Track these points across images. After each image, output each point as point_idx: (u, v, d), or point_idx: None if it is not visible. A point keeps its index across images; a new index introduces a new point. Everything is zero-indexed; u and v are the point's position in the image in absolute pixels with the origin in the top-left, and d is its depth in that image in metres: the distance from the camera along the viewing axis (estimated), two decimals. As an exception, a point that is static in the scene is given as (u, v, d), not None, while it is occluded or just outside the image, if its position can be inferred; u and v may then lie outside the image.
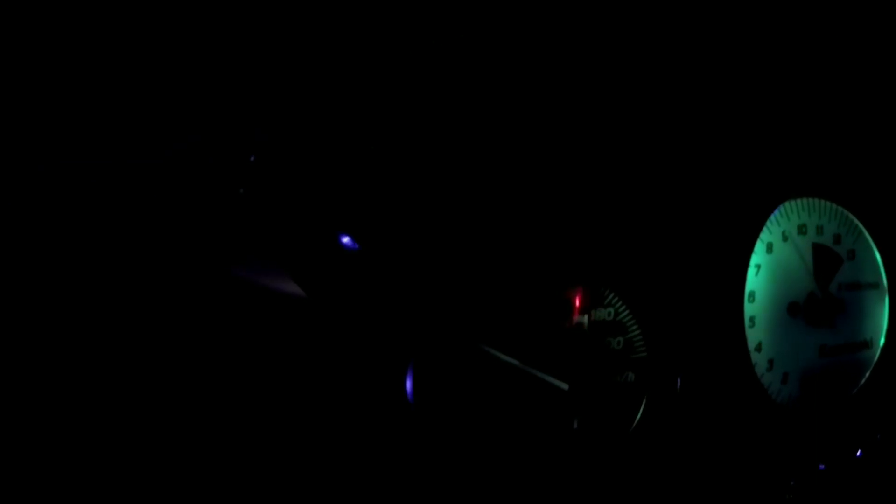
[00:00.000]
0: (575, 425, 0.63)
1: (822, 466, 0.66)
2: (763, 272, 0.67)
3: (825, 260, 0.69)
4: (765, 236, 0.67)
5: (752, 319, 0.66)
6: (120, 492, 0.61)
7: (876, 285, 0.70)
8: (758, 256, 0.67)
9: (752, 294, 0.66)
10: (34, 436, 0.62)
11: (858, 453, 0.66)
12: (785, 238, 0.68)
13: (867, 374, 0.70)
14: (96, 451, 0.62)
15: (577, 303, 0.64)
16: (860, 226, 0.70)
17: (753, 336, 0.66)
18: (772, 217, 0.67)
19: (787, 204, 0.68)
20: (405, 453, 0.63)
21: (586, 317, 0.64)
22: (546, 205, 0.65)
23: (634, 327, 0.64)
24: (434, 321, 0.62)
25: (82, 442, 0.62)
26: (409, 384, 0.61)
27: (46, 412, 0.63)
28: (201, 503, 0.62)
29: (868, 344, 0.70)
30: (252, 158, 0.61)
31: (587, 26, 0.67)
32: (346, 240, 0.60)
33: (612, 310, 0.64)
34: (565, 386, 0.62)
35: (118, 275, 0.65)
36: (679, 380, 0.62)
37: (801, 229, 0.68)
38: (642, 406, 0.64)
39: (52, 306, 0.64)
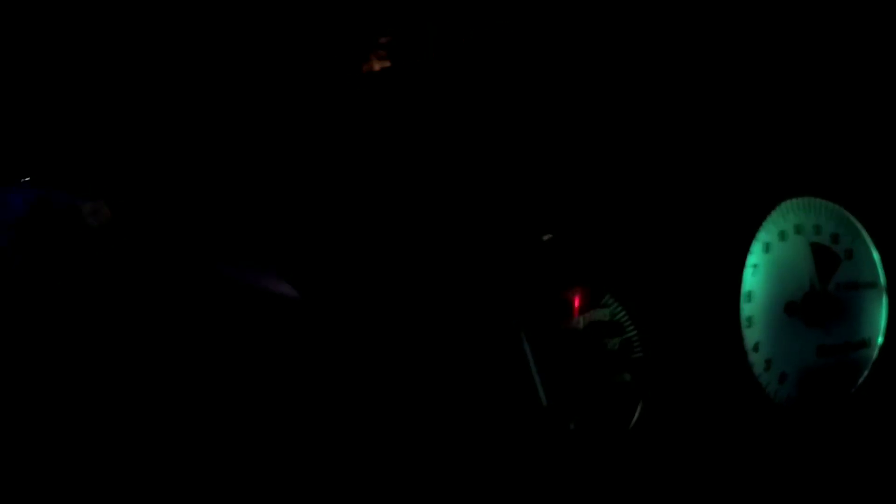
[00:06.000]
0: (572, 426, 0.63)
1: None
2: (760, 272, 0.67)
3: (823, 259, 0.69)
4: (762, 236, 0.67)
5: (749, 319, 0.66)
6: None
7: (874, 285, 0.70)
8: (755, 256, 0.66)
9: (749, 294, 0.66)
10: (34, 436, 0.62)
11: None
12: (782, 237, 0.68)
13: (865, 374, 0.70)
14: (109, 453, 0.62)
15: (574, 304, 0.64)
16: (858, 225, 0.70)
17: (751, 336, 0.66)
18: (769, 216, 0.67)
19: (784, 203, 0.68)
20: (404, 449, 0.63)
21: (583, 318, 0.64)
22: (542, 206, 0.65)
23: (631, 328, 0.64)
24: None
25: (88, 444, 0.63)
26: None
27: (45, 413, 0.63)
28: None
29: (866, 343, 0.70)
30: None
31: (586, 26, 0.67)
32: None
33: (608, 310, 0.64)
34: (545, 401, 0.62)
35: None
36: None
37: (799, 229, 0.68)
38: (639, 406, 0.64)
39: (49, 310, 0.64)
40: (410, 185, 0.64)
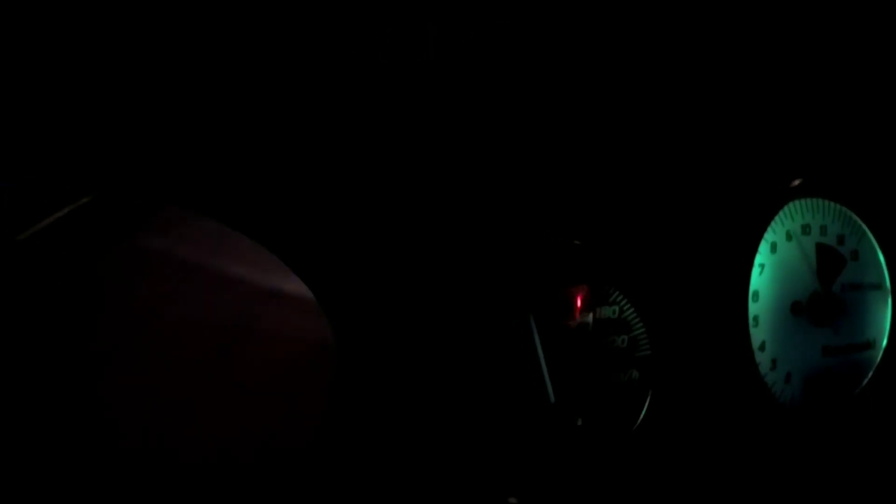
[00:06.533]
0: (579, 422, 0.63)
1: None
2: (767, 272, 0.67)
3: (829, 260, 0.69)
4: (769, 236, 0.67)
5: (755, 319, 0.66)
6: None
7: (879, 286, 0.71)
8: (762, 256, 0.67)
9: (755, 293, 0.66)
10: (33, 436, 0.62)
11: None
12: (789, 238, 0.68)
13: (870, 375, 0.70)
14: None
15: (582, 301, 0.64)
16: (864, 226, 0.70)
17: (757, 335, 0.66)
18: (776, 217, 0.67)
19: (791, 204, 0.68)
20: (411, 444, 0.63)
21: (591, 315, 0.64)
22: (551, 204, 0.66)
23: (639, 325, 0.64)
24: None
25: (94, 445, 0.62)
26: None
27: (46, 413, 0.63)
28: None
29: (871, 344, 0.70)
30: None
31: (590, 25, 0.67)
32: None
33: (616, 308, 0.64)
34: (552, 397, 0.62)
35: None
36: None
37: (805, 229, 0.69)
38: (646, 404, 0.64)
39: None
40: (410, 185, 0.64)
